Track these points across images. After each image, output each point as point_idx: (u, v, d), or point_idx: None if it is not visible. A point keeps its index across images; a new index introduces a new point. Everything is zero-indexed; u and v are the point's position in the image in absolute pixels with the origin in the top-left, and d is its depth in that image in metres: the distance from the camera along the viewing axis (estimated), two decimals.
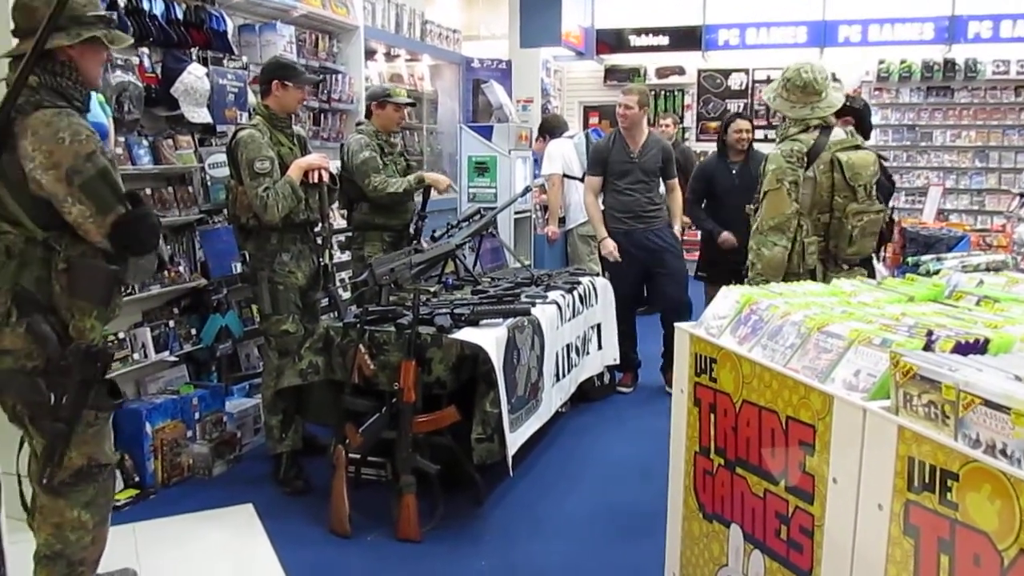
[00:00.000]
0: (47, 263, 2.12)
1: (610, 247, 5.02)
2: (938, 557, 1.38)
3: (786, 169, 3.24)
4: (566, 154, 6.52)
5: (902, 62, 9.53)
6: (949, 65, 9.37)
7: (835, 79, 9.05)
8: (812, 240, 3.26)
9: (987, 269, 3.18)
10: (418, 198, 4.41)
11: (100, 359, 2.16)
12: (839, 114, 3.49)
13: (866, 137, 3.93)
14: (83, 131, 2.10)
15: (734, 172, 5.30)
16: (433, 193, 4.46)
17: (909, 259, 4.04)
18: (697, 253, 5.96)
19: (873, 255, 3.59)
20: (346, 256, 4.69)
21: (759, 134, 6.91)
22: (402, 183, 4.22)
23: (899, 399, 1.49)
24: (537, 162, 7.01)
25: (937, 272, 2.92)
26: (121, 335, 3.64)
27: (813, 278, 3.25)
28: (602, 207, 5.13)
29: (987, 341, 1.62)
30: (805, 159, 3.25)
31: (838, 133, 3.36)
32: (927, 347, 1.62)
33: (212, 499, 3.56)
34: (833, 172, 3.22)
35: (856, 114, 3.99)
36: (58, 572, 2.32)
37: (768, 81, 9.96)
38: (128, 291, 3.47)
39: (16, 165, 2.06)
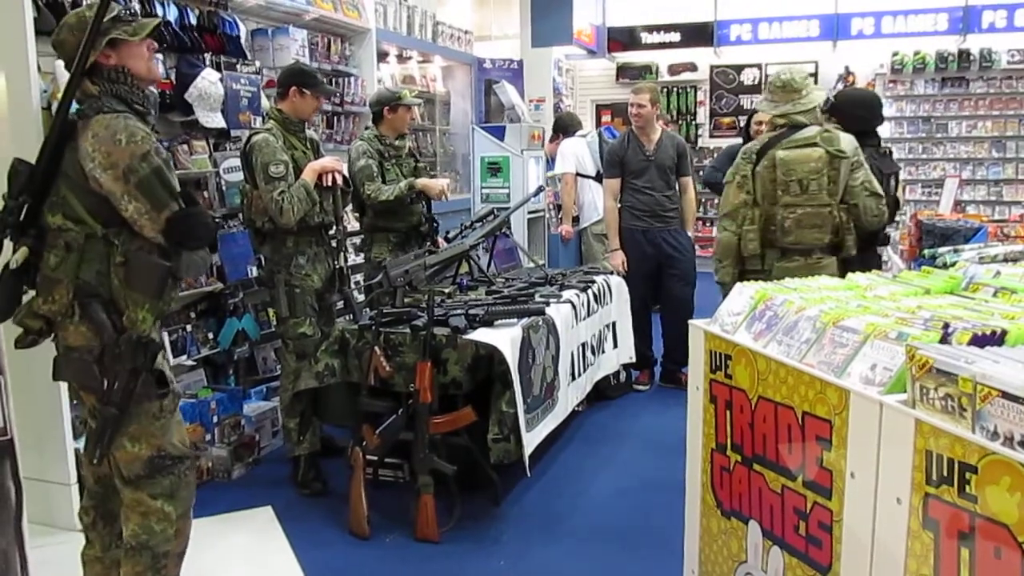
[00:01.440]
0: (106, 258, 2.23)
1: (617, 261, 5.11)
2: (958, 550, 1.38)
3: (739, 164, 3.66)
4: (579, 153, 6.51)
5: (916, 53, 9.46)
6: (964, 55, 9.29)
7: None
8: (751, 228, 3.61)
9: (1005, 260, 3.15)
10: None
11: (149, 349, 2.26)
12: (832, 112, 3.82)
13: (875, 127, 3.97)
14: (139, 132, 2.21)
15: None
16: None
17: (926, 251, 4.01)
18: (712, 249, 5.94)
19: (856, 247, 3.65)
20: (360, 259, 4.71)
21: None
22: (393, 190, 4.22)
23: (916, 393, 1.48)
24: (551, 162, 6.99)
25: (954, 264, 2.89)
26: None
27: (761, 262, 3.60)
28: (618, 205, 5.15)
29: (1004, 333, 1.60)
30: (755, 156, 3.60)
31: (809, 131, 3.53)
32: (943, 340, 1.61)
33: (231, 502, 3.59)
34: (775, 168, 3.52)
35: (837, 110, 3.97)
36: (143, 563, 2.39)
37: None
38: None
39: (77, 165, 2.18)
